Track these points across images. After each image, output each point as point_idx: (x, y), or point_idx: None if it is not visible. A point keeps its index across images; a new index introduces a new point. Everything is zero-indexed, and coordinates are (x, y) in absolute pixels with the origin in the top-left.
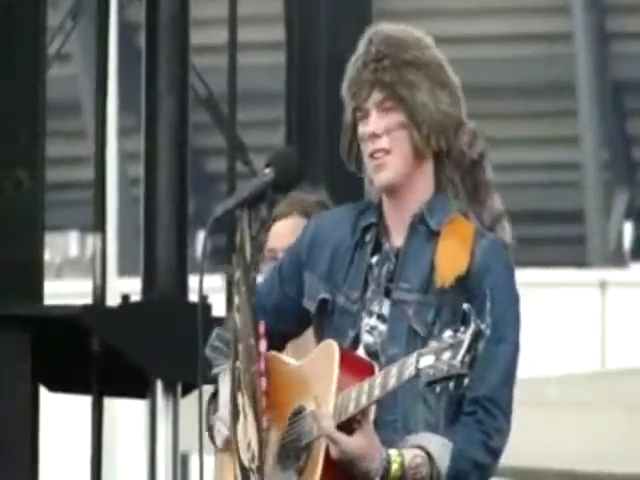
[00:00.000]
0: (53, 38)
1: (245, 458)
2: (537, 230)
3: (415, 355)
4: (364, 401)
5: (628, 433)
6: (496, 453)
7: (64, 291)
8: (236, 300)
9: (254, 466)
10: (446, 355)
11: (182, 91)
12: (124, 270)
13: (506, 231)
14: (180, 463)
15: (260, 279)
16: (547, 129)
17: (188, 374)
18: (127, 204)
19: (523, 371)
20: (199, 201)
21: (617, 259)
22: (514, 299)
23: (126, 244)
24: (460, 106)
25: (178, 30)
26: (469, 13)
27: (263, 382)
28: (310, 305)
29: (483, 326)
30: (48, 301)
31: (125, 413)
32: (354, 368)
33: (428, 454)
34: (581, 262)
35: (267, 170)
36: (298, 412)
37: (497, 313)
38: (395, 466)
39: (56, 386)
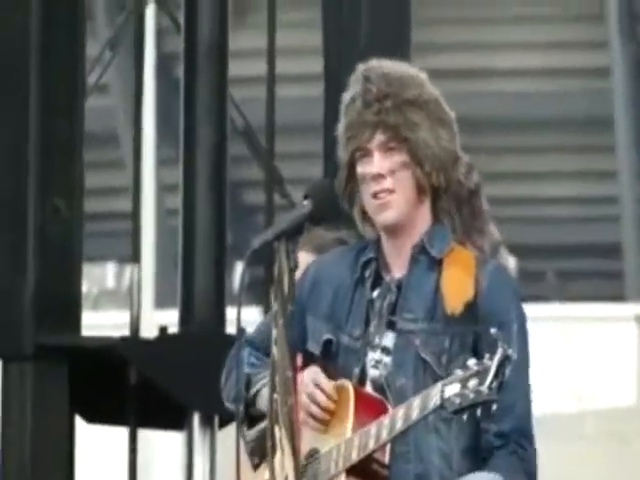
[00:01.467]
0: (92, 69)
1: None
2: (574, 264)
3: (439, 385)
4: (385, 436)
5: None
6: (534, 478)
7: (101, 322)
8: (274, 333)
9: None
10: (473, 382)
11: (220, 122)
12: (161, 302)
13: (506, 258)
14: None
15: (259, 323)
16: (585, 163)
17: (225, 407)
18: (165, 235)
19: (560, 405)
20: (237, 233)
21: None
22: (524, 323)
23: (164, 275)
24: (456, 140)
25: (216, 61)
26: (508, 46)
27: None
28: (314, 348)
29: (510, 351)
30: (85, 332)
31: (162, 446)
32: (368, 406)
33: None
34: (618, 296)
35: (305, 202)
36: (312, 454)
37: (514, 342)
38: None
39: (93, 417)
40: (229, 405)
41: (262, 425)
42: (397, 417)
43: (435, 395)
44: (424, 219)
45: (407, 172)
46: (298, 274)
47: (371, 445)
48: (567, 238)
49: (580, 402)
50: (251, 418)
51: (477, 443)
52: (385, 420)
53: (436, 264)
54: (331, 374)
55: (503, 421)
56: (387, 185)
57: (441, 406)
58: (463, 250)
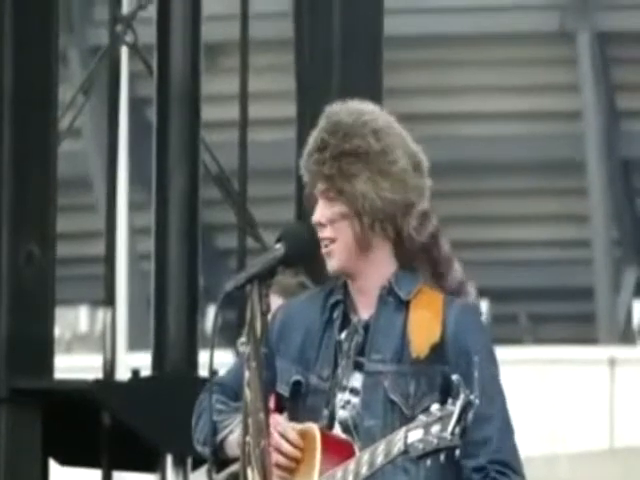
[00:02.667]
0: (64, 113)
1: None
2: (547, 307)
3: (403, 430)
4: None
5: None
6: None
7: (74, 366)
8: (246, 375)
9: None
10: (435, 428)
11: (193, 166)
12: (134, 345)
13: (471, 297)
14: None
15: (230, 365)
16: (556, 207)
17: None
18: (137, 279)
19: (533, 447)
20: (209, 277)
21: (626, 337)
22: (493, 358)
23: (136, 319)
24: (408, 189)
25: (189, 105)
26: (479, 90)
27: (273, 456)
28: (283, 390)
29: (472, 397)
30: (58, 376)
31: None
32: (335, 449)
33: None
34: (590, 339)
35: (278, 245)
36: None
37: (484, 377)
38: None
39: (66, 459)
40: (199, 449)
41: (231, 469)
42: (362, 462)
43: (399, 441)
44: (384, 266)
45: (345, 223)
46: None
47: None
48: (540, 281)
49: (554, 444)
50: (221, 462)
51: None
52: (351, 465)
53: (404, 306)
54: (300, 415)
55: (479, 456)
56: (327, 234)
57: (405, 452)
58: (431, 292)
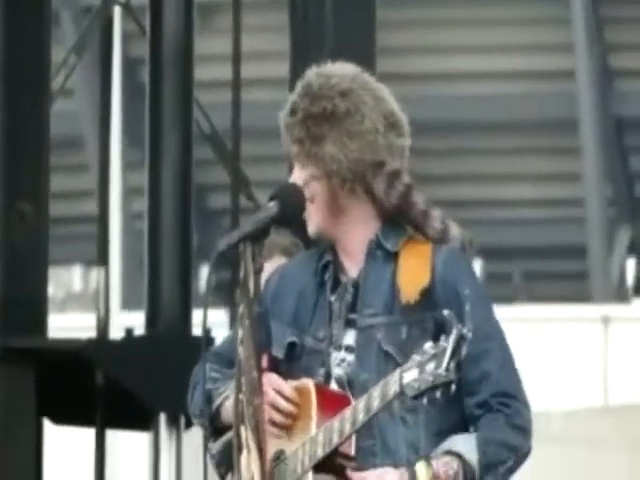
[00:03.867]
0: (57, 73)
1: None
2: (540, 266)
3: (398, 372)
4: (348, 429)
5: (630, 469)
6: (524, 429)
7: (68, 325)
8: (240, 333)
9: None
10: (430, 366)
11: (186, 126)
12: (128, 304)
13: (455, 238)
14: None
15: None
16: (550, 166)
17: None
18: (131, 238)
19: None
20: (202, 236)
21: (620, 295)
22: (485, 296)
23: (130, 278)
24: (376, 148)
25: (182, 66)
26: (472, 50)
27: (269, 414)
28: (278, 352)
29: (465, 330)
30: (52, 335)
31: (128, 446)
32: (331, 403)
33: (455, 453)
34: (584, 298)
35: (271, 204)
36: (278, 457)
37: (477, 315)
38: (423, 473)
39: (60, 419)
40: (196, 421)
41: (226, 437)
42: (359, 409)
43: (394, 383)
44: (364, 221)
45: (317, 184)
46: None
47: (335, 440)
48: (533, 240)
49: (548, 402)
50: (216, 431)
51: (448, 426)
52: (347, 413)
53: (392, 257)
54: (295, 376)
55: (480, 392)
56: (306, 195)
57: (401, 392)
58: (418, 241)
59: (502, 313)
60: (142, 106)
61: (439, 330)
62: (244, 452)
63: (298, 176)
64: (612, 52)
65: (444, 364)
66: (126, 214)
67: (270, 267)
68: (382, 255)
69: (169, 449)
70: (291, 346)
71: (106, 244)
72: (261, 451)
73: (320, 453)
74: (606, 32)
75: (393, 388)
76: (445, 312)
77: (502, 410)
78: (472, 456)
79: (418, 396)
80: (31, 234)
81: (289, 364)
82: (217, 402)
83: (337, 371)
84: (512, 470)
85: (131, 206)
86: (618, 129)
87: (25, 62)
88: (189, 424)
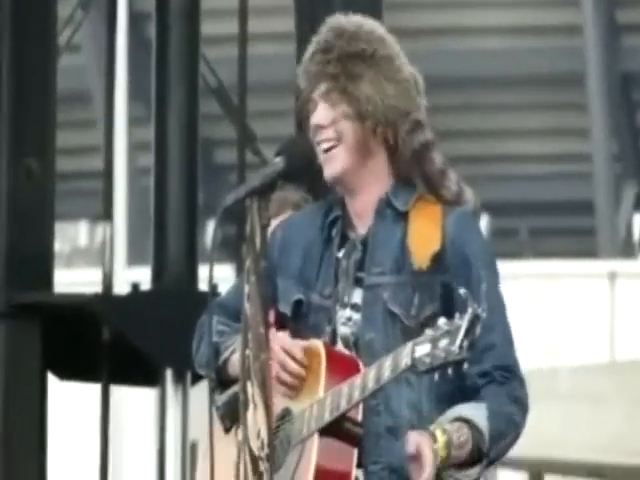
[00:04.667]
0: (63, 28)
1: (255, 446)
2: (547, 221)
3: (410, 345)
4: (357, 396)
5: (637, 425)
6: (524, 408)
7: (74, 280)
8: (246, 289)
9: (264, 454)
10: (443, 342)
11: (192, 81)
12: (134, 259)
13: (469, 203)
14: (190, 451)
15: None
16: (556, 121)
17: None
18: (137, 194)
19: (533, 361)
20: (209, 192)
21: (627, 250)
22: (493, 266)
23: (136, 233)
24: (409, 99)
25: (188, 20)
26: (480, 4)
27: (273, 369)
28: (285, 308)
29: (480, 310)
30: (58, 290)
31: (134, 401)
32: (340, 366)
33: (466, 420)
34: (590, 253)
35: (277, 159)
36: (284, 415)
37: (486, 283)
38: (440, 435)
39: (65, 374)
40: (202, 371)
41: (232, 390)
42: (369, 377)
43: (406, 355)
44: (380, 176)
45: (348, 124)
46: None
47: (343, 405)
48: (539, 195)
49: (553, 359)
50: (222, 383)
51: (450, 391)
52: (357, 380)
53: (402, 217)
54: (302, 334)
55: (484, 361)
56: (329, 135)
57: (412, 366)
58: (428, 202)
59: (508, 269)
60: (148, 61)
61: (447, 294)
62: (250, 408)
63: (325, 114)
64: (619, 7)
65: (457, 341)
66: (132, 169)
67: None
68: (392, 214)
69: (175, 404)
70: (298, 303)
71: (111, 199)
72: (268, 407)
73: (327, 417)
74: None
75: (405, 361)
76: (462, 291)
77: (505, 383)
78: (482, 425)
79: (429, 371)
80: (37, 189)
81: (296, 321)
82: (224, 355)
83: (343, 330)
84: (509, 446)
85: (137, 161)
86: (625, 84)
87: (32, 17)
88: (195, 380)
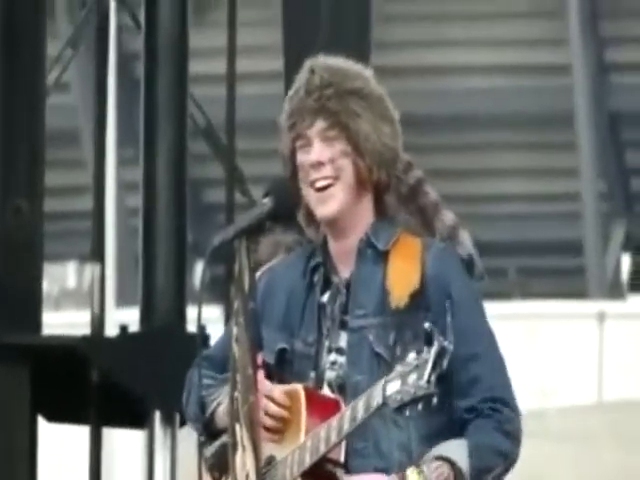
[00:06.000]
0: (52, 67)
1: None
2: (536, 261)
3: (382, 383)
4: (334, 438)
5: (624, 466)
6: (514, 436)
7: (62, 322)
8: (234, 331)
9: None
10: (412, 377)
11: (181, 121)
12: (122, 301)
13: (464, 244)
14: None
15: (220, 335)
16: (546, 160)
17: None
18: (126, 234)
19: (522, 402)
20: (197, 231)
21: (615, 291)
22: (475, 297)
23: (124, 274)
24: (398, 140)
25: (177, 59)
26: (469, 43)
27: (261, 413)
28: (269, 358)
29: (446, 343)
30: (46, 331)
31: (123, 443)
32: (321, 408)
33: (447, 459)
34: (579, 293)
35: (265, 200)
36: (269, 462)
37: (465, 317)
38: (414, 478)
39: (54, 416)
40: (191, 425)
41: (220, 440)
42: (344, 418)
43: (378, 394)
44: (367, 216)
45: (347, 161)
46: None
47: (322, 448)
48: (529, 235)
49: (543, 399)
50: (212, 435)
51: (439, 427)
52: (334, 422)
53: (382, 257)
54: (287, 381)
55: (470, 395)
56: (327, 172)
57: (384, 404)
58: (410, 238)
59: (497, 309)
60: (137, 101)
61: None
62: (239, 450)
63: (323, 151)
64: (607, 46)
65: (425, 376)
66: (120, 210)
67: None
68: (372, 254)
69: (164, 446)
70: (282, 352)
71: (101, 240)
72: (256, 450)
73: (307, 460)
74: (601, 26)
75: (376, 400)
76: (426, 325)
77: (492, 415)
78: (463, 462)
79: (401, 407)
80: (26, 229)
81: (281, 369)
82: (210, 408)
83: (329, 374)
84: (500, 476)
85: (125, 202)
86: (613, 124)
87: (21, 56)
88: (184, 422)
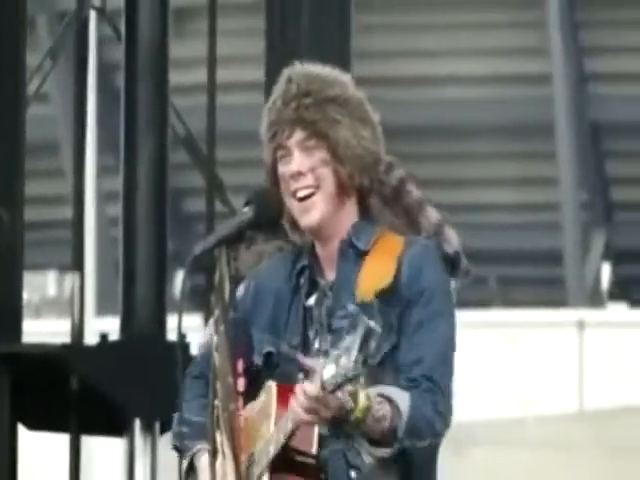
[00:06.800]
0: (32, 78)
1: None
2: (515, 270)
3: (320, 366)
4: (289, 425)
5: (605, 475)
6: (445, 419)
7: (42, 330)
8: (215, 339)
9: None
10: (343, 360)
11: (161, 130)
12: (102, 309)
13: (450, 241)
14: None
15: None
16: (525, 170)
17: (166, 413)
18: (106, 244)
19: (502, 410)
20: (178, 241)
21: (595, 299)
22: (445, 295)
23: (105, 284)
24: (379, 143)
25: (157, 70)
26: (450, 53)
27: (241, 420)
28: (258, 360)
29: (372, 324)
30: (27, 340)
31: (102, 452)
32: (288, 398)
33: (388, 398)
34: (559, 302)
35: (246, 209)
36: (249, 458)
37: (430, 308)
38: (363, 398)
39: (34, 424)
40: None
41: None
42: (294, 405)
43: (317, 379)
44: (351, 219)
45: (327, 170)
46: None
47: (281, 437)
48: (508, 244)
49: (522, 407)
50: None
51: None
52: (289, 412)
53: (363, 255)
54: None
55: (412, 371)
56: (308, 182)
57: (323, 388)
58: (391, 236)
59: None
60: (117, 111)
61: (401, 326)
62: (219, 458)
63: (303, 161)
64: (588, 56)
65: (353, 357)
66: (100, 219)
67: None
68: (353, 254)
69: (144, 454)
70: (268, 355)
71: (81, 249)
72: (236, 457)
73: (272, 451)
74: (582, 35)
75: (316, 384)
76: (351, 307)
77: (430, 392)
78: (403, 408)
79: (335, 390)
80: (6, 239)
81: (269, 371)
82: (188, 459)
83: None
84: (422, 447)
85: (105, 211)
86: (594, 134)
87: (1, 66)
88: (164, 430)
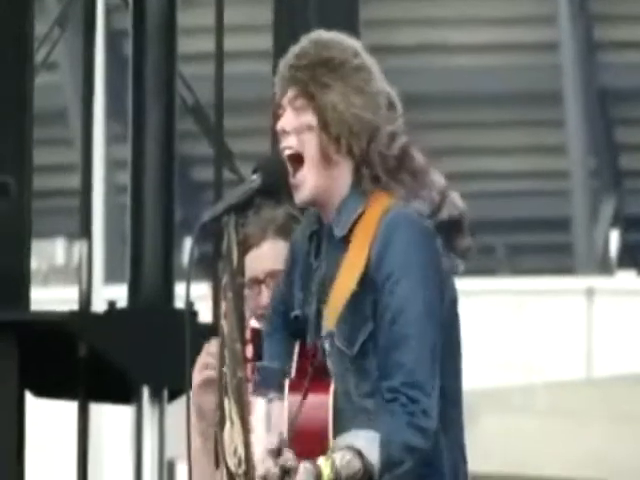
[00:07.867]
0: (40, 46)
1: (231, 463)
2: (524, 238)
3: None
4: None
5: (613, 441)
6: (425, 432)
7: (50, 298)
8: (223, 305)
9: (241, 471)
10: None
11: (169, 99)
12: (111, 277)
13: (456, 204)
14: (166, 470)
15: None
16: (534, 138)
17: (174, 380)
18: (114, 212)
19: (510, 378)
20: (186, 209)
21: (604, 267)
22: (419, 278)
23: (113, 251)
24: (377, 112)
25: (165, 38)
26: (456, 22)
27: (250, 387)
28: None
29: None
30: (35, 308)
31: (111, 419)
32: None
33: (357, 450)
34: (568, 270)
35: (254, 176)
36: None
37: (399, 294)
38: (327, 471)
39: (42, 392)
40: None
41: None
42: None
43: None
44: (343, 189)
45: (311, 135)
46: (273, 264)
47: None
48: (517, 212)
49: (530, 375)
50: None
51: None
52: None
53: (343, 243)
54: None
55: (392, 377)
56: (291, 142)
57: None
58: (374, 209)
59: (485, 285)
60: (125, 79)
61: (375, 311)
62: (227, 424)
63: (290, 121)
64: (596, 24)
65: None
66: (109, 187)
67: (267, 248)
68: (334, 242)
69: (152, 422)
70: (296, 317)
71: (89, 217)
72: (244, 424)
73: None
74: (590, 3)
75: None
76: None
77: (407, 406)
78: (373, 456)
79: None
80: (14, 207)
81: (302, 330)
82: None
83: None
84: (408, 470)
85: (114, 179)
86: (602, 101)
87: (8, 35)
88: (172, 397)
